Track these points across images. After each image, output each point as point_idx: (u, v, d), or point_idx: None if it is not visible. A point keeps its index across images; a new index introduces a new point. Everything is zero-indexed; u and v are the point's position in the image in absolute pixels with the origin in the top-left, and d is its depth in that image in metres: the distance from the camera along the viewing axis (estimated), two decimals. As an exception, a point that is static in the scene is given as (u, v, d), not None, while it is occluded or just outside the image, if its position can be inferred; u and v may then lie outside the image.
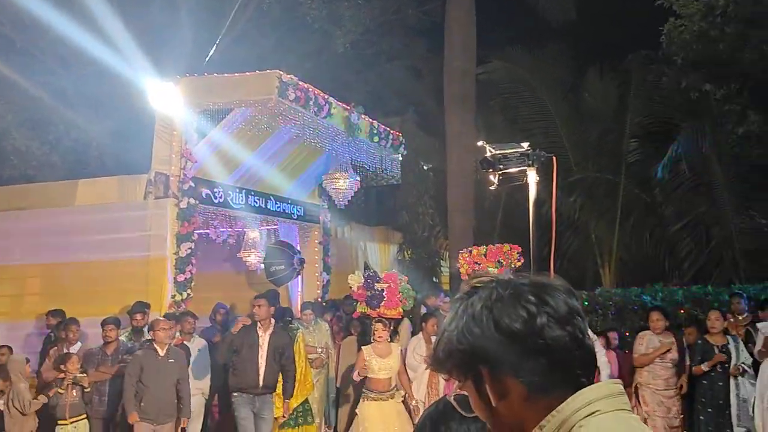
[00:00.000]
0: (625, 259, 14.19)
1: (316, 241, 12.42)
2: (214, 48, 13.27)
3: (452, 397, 1.37)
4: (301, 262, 10.70)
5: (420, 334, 8.39)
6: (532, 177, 4.55)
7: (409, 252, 14.49)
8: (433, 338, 8.30)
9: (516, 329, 1.24)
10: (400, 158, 12.16)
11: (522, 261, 8.36)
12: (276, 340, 7.61)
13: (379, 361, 7.38)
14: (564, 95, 14.94)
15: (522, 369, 1.23)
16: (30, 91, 12.59)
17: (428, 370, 8.09)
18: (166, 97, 8.65)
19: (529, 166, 4.53)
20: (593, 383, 1.26)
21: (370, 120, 10.86)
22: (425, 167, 15.46)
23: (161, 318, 7.51)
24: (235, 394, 7.60)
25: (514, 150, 4.58)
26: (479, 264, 8.27)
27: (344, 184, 10.62)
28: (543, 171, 4.61)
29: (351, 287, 8.59)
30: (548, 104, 14.72)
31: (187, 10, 13.35)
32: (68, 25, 11.35)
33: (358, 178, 10.76)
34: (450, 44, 13.75)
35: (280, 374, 7.70)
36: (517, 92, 15.14)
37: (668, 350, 7.88)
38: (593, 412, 1.22)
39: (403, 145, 11.86)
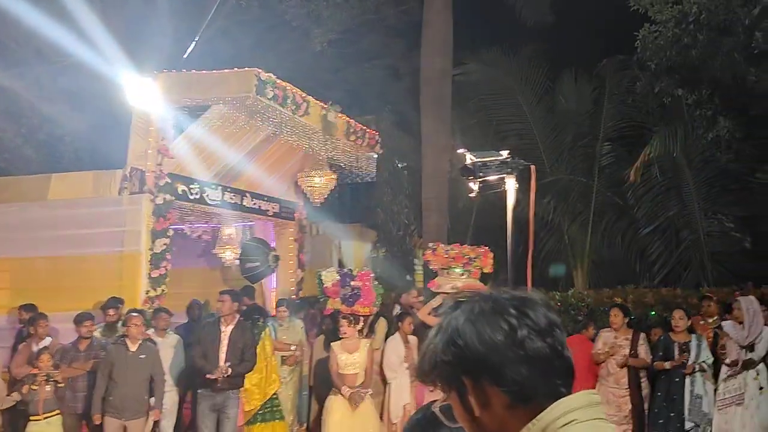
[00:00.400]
0: (597, 261, 14.40)
1: (291, 238, 12.43)
2: (193, 44, 13.18)
3: (437, 408, 1.43)
4: (276, 259, 10.72)
5: (397, 334, 8.44)
6: (511, 184, 4.67)
7: (383, 250, 14.55)
8: (410, 337, 8.40)
9: (498, 341, 1.29)
10: (376, 157, 12.23)
11: (492, 267, 8.41)
12: (236, 336, 7.59)
13: (347, 356, 7.46)
14: (539, 98, 15.11)
15: (504, 379, 1.28)
16: (2, 81, 12.42)
17: (408, 371, 8.16)
18: (143, 93, 8.61)
19: (508, 174, 4.64)
20: (572, 393, 1.32)
21: (347, 118, 10.91)
22: (400, 166, 15.53)
23: (134, 313, 7.46)
24: (200, 390, 7.63)
25: (494, 158, 4.68)
26: (452, 261, 8.31)
27: (320, 182, 10.65)
28: (521, 177, 4.71)
29: (324, 284, 8.63)
30: (523, 106, 14.89)
31: (166, 4, 13.26)
32: (44, 17, 11.22)
33: (334, 176, 10.80)
34: (427, 44, 13.84)
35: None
36: (492, 94, 15.29)
37: (620, 347, 8.04)
38: (571, 421, 1.27)
39: (379, 144, 11.93)
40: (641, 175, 13.43)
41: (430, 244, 8.71)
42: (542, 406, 1.28)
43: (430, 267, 8.68)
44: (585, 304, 10.72)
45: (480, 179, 4.68)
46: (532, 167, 4.65)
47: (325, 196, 10.97)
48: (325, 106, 10.07)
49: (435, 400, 1.48)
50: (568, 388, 1.32)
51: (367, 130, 11.52)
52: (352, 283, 8.53)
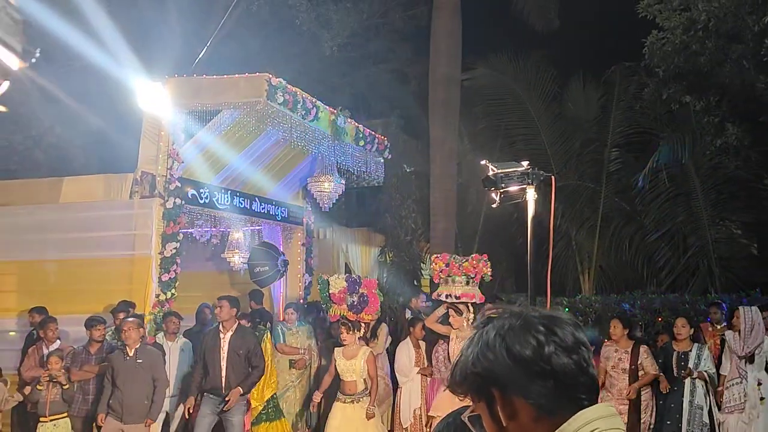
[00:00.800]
0: (605, 267, 14.40)
1: (299, 243, 12.47)
2: (204, 49, 13.24)
3: (466, 417, 1.49)
4: (285, 263, 10.75)
5: (408, 339, 8.46)
6: (531, 195, 4.74)
7: (390, 255, 14.58)
8: (421, 342, 8.42)
9: (526, 355, 1.37)
10: (383, 162, 12.26)
11: (491, 274, 8.39)
12: (236, 341, 7.57)
13: (345, 362, 7.49)
14: (547, 103, 15.14)
15: (531, 391, 1.36)
16: (12, 84, 12.45)
17: (419, 375, 8.17)
18: (154, 97, 8.64)
19: (528, 184, 4.71)
20: None
21: (356, 124, 10.94)
22: (408, 170, 15.57)
23: (129, 319, 7.41)
24: (205, 395, 7.65)
25: (515, 169, 4.76)
26: (454, 271, 8.34)
27: (329, 187, 10.68)
28: (540, 186, 4.76)
29: (331, 290, 8.59)
30: (531, 112, 14.92)
31: (176, 9, 13.33)
32: (53, 19, 11.26)
33: (343, 182, 10.83)
34: (435, 50, 13.87)
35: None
36: (500, 99, 15.32)
37: (619, 361, 7.95)
38: (593, 430, 1.34)
39: (387, 149, 11.95)
40: (649, 181, 13.44)
41: (433, 257, 8.73)
42: (566, 418, 1.35)
43: (431, 276, 8.71)
44: (593, 310, 10.73)
45: (502, 190, 4.73)
46: (552, 177, 4.70)
47: (334, 201, 11.00)
48: (335, 111, 10.10)
49: (465, 407, 1.54)
50: (591, 403, 1.39)
51: (376, 135, 11.55)
52: (360, 290, 8.54)
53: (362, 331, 7.96)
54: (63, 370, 7.36)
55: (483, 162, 4.88)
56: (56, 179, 9.79)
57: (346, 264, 14.17)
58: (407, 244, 14.39)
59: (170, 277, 8.75)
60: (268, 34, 15.10)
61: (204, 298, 10.54)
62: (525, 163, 4.82)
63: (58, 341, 7.95)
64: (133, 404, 7.08)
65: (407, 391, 8.18)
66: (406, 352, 8.32)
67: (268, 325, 9.35)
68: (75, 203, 9.21)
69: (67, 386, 7.39)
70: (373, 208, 15.82)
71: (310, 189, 10.98)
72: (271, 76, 8.72)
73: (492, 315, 1.48)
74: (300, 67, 14.51)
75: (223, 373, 7.52)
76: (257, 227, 11.92)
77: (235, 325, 7.71)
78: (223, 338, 7.60)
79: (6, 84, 1.66)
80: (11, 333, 9.17)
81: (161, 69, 10.61)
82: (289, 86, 9.01)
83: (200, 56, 13.33)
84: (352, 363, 7.46)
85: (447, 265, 8.09)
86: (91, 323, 7.62)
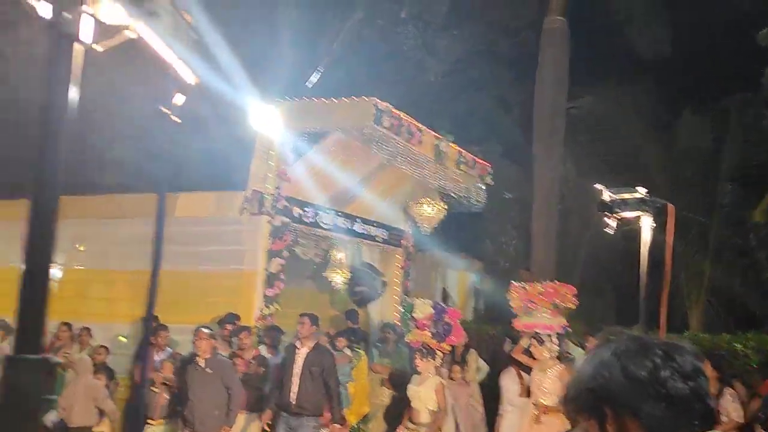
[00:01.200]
0: (714, 303, 13.74)
1: (398, 265, 12.56)
2: (315, 74, 13.67)
3: None
4: (384, 284, 10.86)
5: (511, 368, 8.32)
6: (648, 223, 4.61)
7: (488, 281, 14.45)
8: (525, 375, 8.28)
9: (641, 376, 1.40)
10: (484, 187, 12.20)
11: (576, 303, 8.17)
12: (312, 358, 7.53)
13: (414, 389, 7.44)
14: (656, 133, 14.69)
15: (642, 412, 1.38)
16: (132, 99, 13.23)
17: (525, 405, 7.98)
18: (266, 119, 8.99)
19: (645, 211, 4.58)
20: None
21: (458, 148, 10.98)
22: (508, 197, 15.43)
23: (204, 329, 7.48)
24: (280, 412, 7.67)
25: (631, 195, 4.63)
26: (533, 302, 8.20)
27: (430, 211, 10.76)
28: (657, 215, 4.62)
29: (415, 314, 8.58)
30: (639, 141, 14.50)
31: (287, 34, 13.84)
32: (175, 43, 11.91)
33: (445, 206, 10.87)
34: (542, 76, 13.77)
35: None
36: (607, 127, 14.99)
37: None
38: None
39: (489, 175, 11.91)
40: (766, 216, 12.76)
41: (514, 283, 8.60)
42: None
43: (511, 306, 8.56)
44: (701, 348, 10.22)
45: (617, 216, 4.62)
46: (671, 207, 4.55)
47: (434, 225, 11.05)
48: (438, 136, 10.19)
49: (569, 430, 1.60)
50: (704, 431, 1.41)
51: (478, 161, 11.54)
52: (445, 318, 8.51)
53: (438, 359, 7.87)
54: (174, 376, 7.69)
55: (598, 186, 4.78)
56: (172, 195, 10.28)
57: (443, 289, 14.15)
58: (506, 271, 14.23)
59: (274, 293, 9.03)
60: (375, 60, 15.43)
61: (304, 315, 10.75)
62: (643, 190, 4.69)
63: (168, 349, 8.32)
64: (205, 414, 7.13)
65: (509, 423, 8.02)
66: (513, 380, 8.18)
67: (369, 345, 9.44)
68: (188, 218, 9.63)
69: (165, 393, 7.70)
70: (473, 233, 15.74)
71: (410, 212, 11.08)
72: (378, 100, 8.92)
73: (610, 337, 1.53)
74: (405, 92, 14.70)
75: (294, 389, 7.49)
76: (358, 248, 12.09)
77: (313, 343, 7.70)
78: (299, 354, 7.61)
79: (182, 98, 1.80)
80: (123, 338, 9.65)
81: (273, 92, 11.03)
82: (394, 110, 9.18)
83: (311, 80, 13.76)
84: (417, 390, 7.38)
85: (527, 296, 7.99)
86: (212, 334, 7.91)
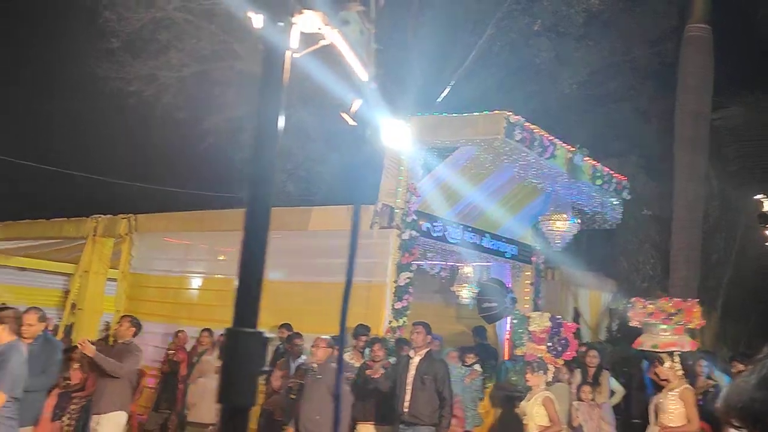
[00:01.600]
0: None
1: (528, 282, 12.31)
2: (445, 89, 13.76)
3: None
4: (513, 301, 10.67)
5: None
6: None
7: (624, 301, 13.83)
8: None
9: None
10: (620, 202, 11.74)
11: (702, 323, 7.67)
12: (423, 367, 7.48)
13: (523, 403, 7.29)
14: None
15: None
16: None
17: None
18: (397, 135, 9.10)
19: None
20: None
21: (594, 162, 10.64)
22: (646, 213, 14.75)
23: (322, 336, 7.57)
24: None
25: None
26: (652, 318, 7.77)
27: (562, 226, 10.48)
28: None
29: (532, 328, 8.39)
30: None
31: (417, 50, 14.01)
32: (312, 62, 12.36)
33: (578, 221, 10.55)
34: (684, 86, 13.11)
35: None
36: (757, 140, 14.02)
37: None
38: None
39: (626, 190, 11.45)
40: None
41: (631, 300, 8.20)
42: None
43: (630, 324, 8.17)
44: None
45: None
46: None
47: (566, 241, 10.75)
48: (572, 149, 9.93)
49: None
50: None
51: (614, 175, 11.13)
52: (562, 333, 8.28)
53: (550, 374, 7.64)
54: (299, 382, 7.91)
55: (758, 197, 4.47)
56: (306, 209, 10.65)
57: (574, 308, 13.72)
58: (643, 291, 13.57)
59: (402, 306, 9.09)
60: (507, 73, 15.30)
61: (431, 329, 10.75)
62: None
63: (303, 356, 8.58)
64: (307, 418, 7.25)
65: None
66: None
67: (500, 362, 9.28)
68: (321, 231, 9.92)
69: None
70: (607, 251, 15.17)
71: (541, 227, 10.85)
72: (509, 113, 8.82)
73: None
74: (537, 105, 14.47)
75: (407, 397, 7.45)
76: (486, 263, 11.98)
77: (425, 351, 7.67)
78: (412, 363, 7.59)
79: (359, 103, 1.90)
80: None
81: (403, 107, 11.19)
82: (526, 123, 9.05)
83: (442, 95, 13.84)
84: (527, 406, 7.17)
85: (650, 314, 7.57)
86: (332, 343, 8.10)
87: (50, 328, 8.99)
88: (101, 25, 14.90)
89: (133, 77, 15.45)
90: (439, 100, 13.80)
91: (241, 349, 1.56)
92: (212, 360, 9.19)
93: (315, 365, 7.40)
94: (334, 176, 14.51)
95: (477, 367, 9.05)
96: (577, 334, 12.61)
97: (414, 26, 14.37)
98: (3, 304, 10.74)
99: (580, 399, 8.34)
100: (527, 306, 12.10)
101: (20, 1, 20.19)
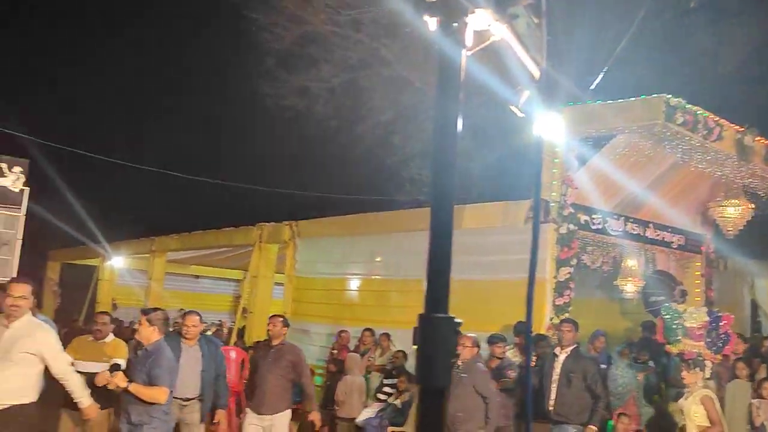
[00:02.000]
0: None
1: (698, 273, 11.61)
2: (600, 76, 13.32)
3: None
4: (683, 293, 10.12)
5: None
6: None
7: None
8: None
9: None
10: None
11: None
12: (569, 364, 7.27)
13: (679, 404, 7.05)
14: None
15: None
16: (424, 123, 14.08)
17: None
18: (550, 126, 8.91)
19: None
20: None
21: (766, 142, 9.86)
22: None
23: (467, 334, 7.38)
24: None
25: None
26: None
27: (735, 212, 9.81)
28: None
29: (687, 323, 7.87)
30: None
31: (566, 40, 13.65)
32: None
33: (752, 206, 9.81)
34: None
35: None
36: None
37: None
38: None
39: (807, 170, 10.49)
40: None
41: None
42: None
43: None
44: None
45: None
46: None
47: (740, 228, 10.03)
48: (741, 129, 9.26)
49: None
50: None
51: (791, 154, 10.24)
52: (721, 326, 7.74)
53: (708, 371, 7.33)
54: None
55: None
56: (459, 207, 10.61)
57: (752, 300, 12.77)
58: (831, 279, 12.39)
59: (564, 302, 8.89)
60: (662, 55, 14.53)
61: (594, 325, 10.41)
62: None
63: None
64: (452, 416, 7.11)
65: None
66: None
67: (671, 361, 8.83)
68: (476, 229, 9.90)
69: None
70: (788, 237, 13.96)
71: (711, 214, 10.20)
72: (669, 96, 8.38)
73: None
74: (697, 88, 13.62)
75: (552, 395, 7.26)
76: (651, 254, 11.43)
77: (571, 348, 7.46)
78: (558, 361, 7.40)
79: (528, 93, 1.93)
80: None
81: (555, 98, 10.93)
82: (688, 106, 8.55)
83: (594, 83, 13.40)
84: (684, 405, 6.84)
85: None
86: (493, 340, 8.09)
87: (211, 331, 9.67)
88: (259, 46, 15.80)
89: (288, 92, 16.22)
90: (592, 88, 13.33)
91: (435, 333, 1.63)
92: (356, 358, 9.49)
93: (460, 363, 7.37)
94: (486, 173, 14.44)
95: (651, 363, 8.66)
96: (757, 328, 11.76)
97: (564, 14, 14.00)
98: (181, 309, 11.71)
99: (761, 396, 7.79)
100: (698, 299, 11.42)
101: (195, 35, 22.30)
